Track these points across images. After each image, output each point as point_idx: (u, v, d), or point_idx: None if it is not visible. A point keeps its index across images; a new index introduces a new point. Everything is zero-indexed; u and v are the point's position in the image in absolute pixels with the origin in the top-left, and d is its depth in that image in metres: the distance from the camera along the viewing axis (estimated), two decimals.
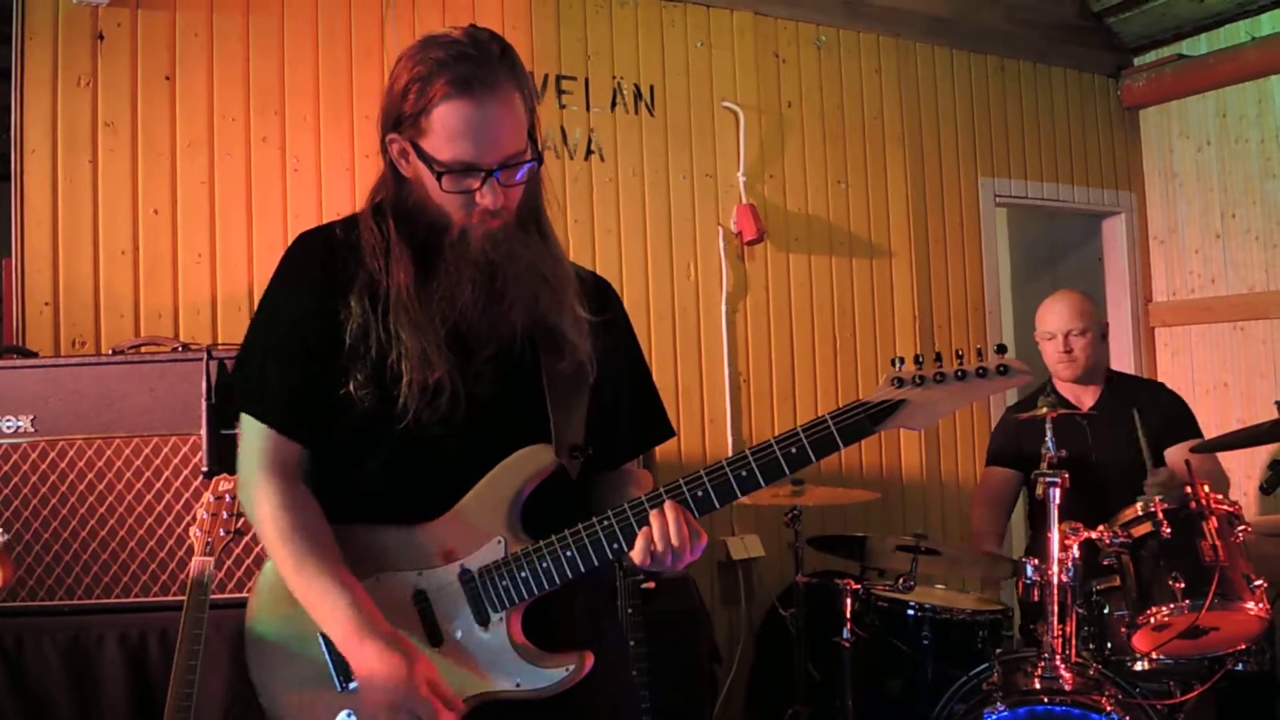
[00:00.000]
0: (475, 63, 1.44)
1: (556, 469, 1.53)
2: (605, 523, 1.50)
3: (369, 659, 1.44)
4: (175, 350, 2.77)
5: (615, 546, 1.49)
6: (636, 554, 1.47)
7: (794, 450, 1.46)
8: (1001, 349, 1.46)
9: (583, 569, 1.50)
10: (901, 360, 1.46)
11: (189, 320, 3.28)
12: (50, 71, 3.17)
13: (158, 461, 2.65)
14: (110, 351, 2.80)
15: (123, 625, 2.56)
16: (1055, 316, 3.53)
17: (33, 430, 2.64)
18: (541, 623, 1.55)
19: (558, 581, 1.50)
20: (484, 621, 1.51)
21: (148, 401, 2.65)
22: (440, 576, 1.52)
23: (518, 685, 1.50)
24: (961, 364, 1.45)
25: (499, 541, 1.51)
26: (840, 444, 1.45)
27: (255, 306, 1.64)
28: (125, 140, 3.25)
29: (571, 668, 1.51)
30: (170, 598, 2.58)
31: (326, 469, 1.58)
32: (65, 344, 3.14)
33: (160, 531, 2.64)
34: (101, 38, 3.23)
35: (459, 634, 1.52)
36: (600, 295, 1.69)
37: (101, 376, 2.66)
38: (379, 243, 1.53)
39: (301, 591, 1.49)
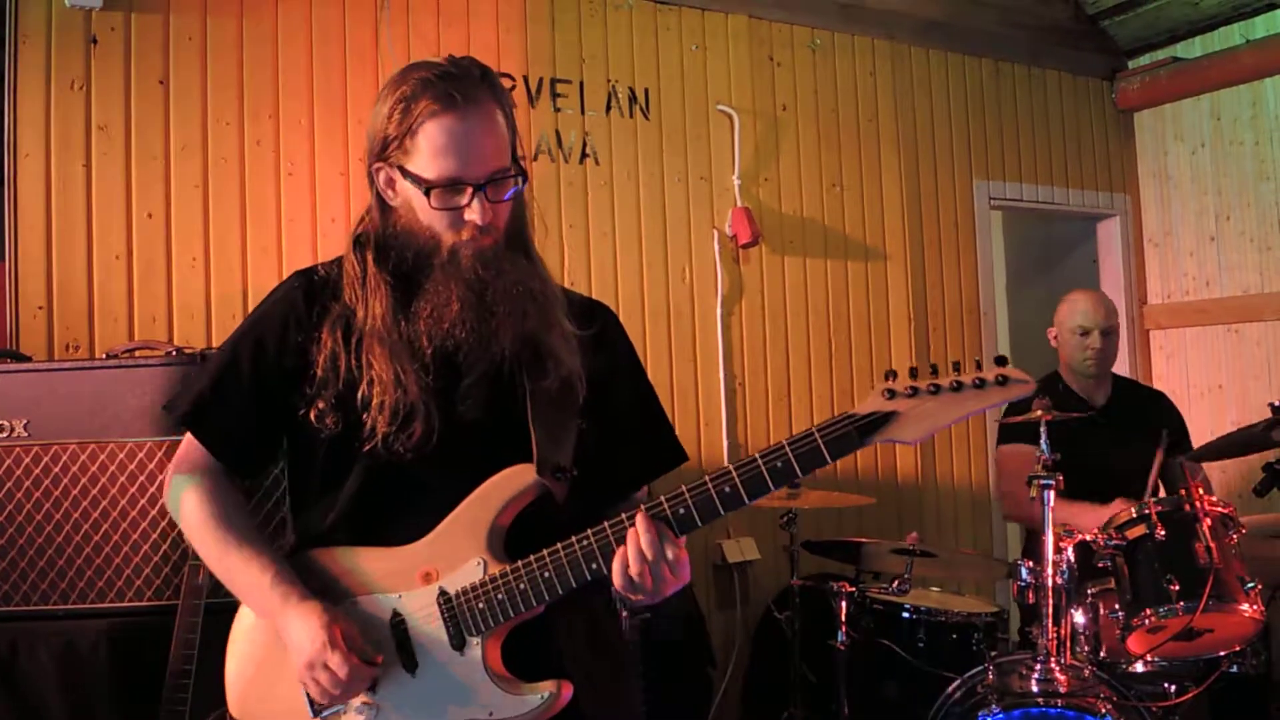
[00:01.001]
0: (457, 80, 1.47)
1: (541, 491, 1.49)
2: (584, 542, 1.45)
3: (290, 627, 1.47)
4: (169, 354, 2.76)
5: (594, 567, 1.44)
6: (615, 577, 1.42)
7: (779, 465, 1.39)
8: (1001, 360, 1.37)
9: (560, 591, 1.45)
10: (895, 373, 1.38)
11: (183, 324, 3.27)
12: (43, 75, 3.16)
13: (152, 466, 2.64)
14: (104, 355, 2.79)
15: (117, 630, 2.55)
16: (1091, 312, 3.53)
17: (26, 434, 2.63)
18: (538, 646, 1.52)
19: (534, 604, 1.46)
20: (460, 646, 1.48)
21: (142, 405, 2.64)
22: (419, 599, 1.50)
23: (490, 714, 1.46)
24: (957, 375, 1.36)
25: (478, 563, 1.48)
26: (828, 458, 1.38)
27: (249, 310, 1.65)
28: (119, 144, 3.24)
29: (547, 695, 1.46)
30: (164, 602, 2.58)
31: (306, 492, 1.59)
32: (59, 348, 3.13)
33: (154, 536, 2.63)
34: (95, 41, 3.22)
35: (434, 658, 1.49)
36: (592, 316, 1.67)
37: (95, 380, 2.65)
38: (357, 275, 1.54)
39: (225, 575, 1.54)
